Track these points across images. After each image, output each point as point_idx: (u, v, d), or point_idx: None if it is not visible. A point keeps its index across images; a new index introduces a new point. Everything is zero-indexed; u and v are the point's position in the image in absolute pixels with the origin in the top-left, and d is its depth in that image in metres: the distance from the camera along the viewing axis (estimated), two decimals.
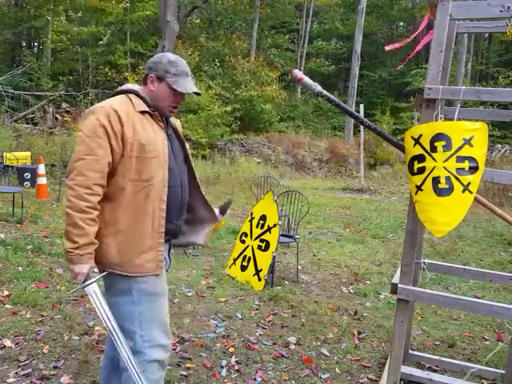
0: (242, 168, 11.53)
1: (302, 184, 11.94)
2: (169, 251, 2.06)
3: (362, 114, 11.36)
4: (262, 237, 4.31)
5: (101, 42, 16.62)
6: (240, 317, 3.47)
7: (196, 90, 1.92)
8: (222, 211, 2.25)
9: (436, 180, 1.79)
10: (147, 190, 1.79)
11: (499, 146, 16.28)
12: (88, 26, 16.90)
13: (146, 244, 1.82)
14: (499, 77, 20.51)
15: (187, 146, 2.09)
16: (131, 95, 1.87)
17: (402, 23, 27.42)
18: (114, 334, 1.79)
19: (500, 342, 3.30)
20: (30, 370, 2.57)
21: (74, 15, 16.10)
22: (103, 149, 1.72)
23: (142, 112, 1.83)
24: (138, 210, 1.79)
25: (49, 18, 16.33)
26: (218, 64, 16.21)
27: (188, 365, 2.73)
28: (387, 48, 2.51)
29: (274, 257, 4.18)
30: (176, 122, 2.11)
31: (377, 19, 24.09)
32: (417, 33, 2.68)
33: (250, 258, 4.31)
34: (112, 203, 1.78)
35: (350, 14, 23.60)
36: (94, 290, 1.80)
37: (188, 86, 1.89)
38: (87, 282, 1.77)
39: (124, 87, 1.94)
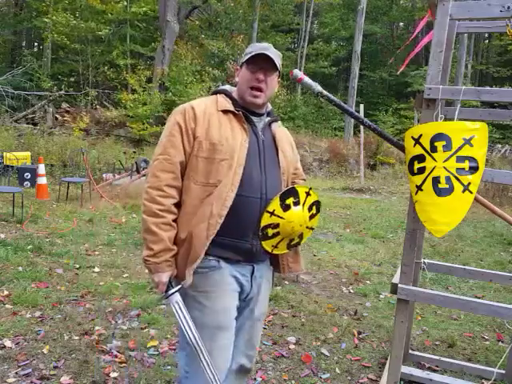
0: None
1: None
2: (251, 276, 1.73)
3: (362, 114, 11.35)
4: None
5: (101, 33, 16.54)
6: None
7: (269, 54, 1.65)
8: None
9: (436, 180, 1.79)
10: (214, 193, 1.60)
11: (499, 146, 16.28)
12: (88, 22, 16.90)
13: (198, 253, 1.60)
14: (502, 80, 20.52)
15: (283, 160, 1.78)
16: (220, 95, 1.75)
17: (401, 24, 27.43)
18: (198, 350, 1.59)
19: (500, 342, 3.30)
20: (30, 370, 2.57)
21: (73, 16, 16.09)
22: (175, 147, 1.61)
23: (225, 111, 1.68)
24: (199, 215, 1.60)
25: (47, 19, 16.31)
26: (219, 65, 16.24)
27: None
28: (391, 61, 2.48)
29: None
30: (283, 131, 1.87)
31: (376, 20, 24.09)
32: (415, 34, 2.69)
33: None
34: (179, 208, 1.63)
35: (350, 14, 23.60)
36: (177, 301, 1.61)
37: (255, 48, 1.69)
38: (169, 292, 1.60)
39: (218, 88, 1.83)
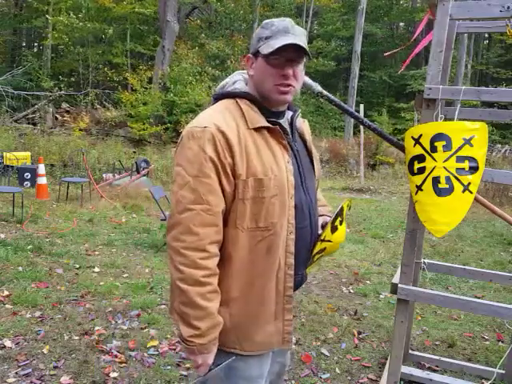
0: None
1: None
2: None
3: (361, 114, 11.35)
4: None
5: (107, 31, 16.52)
6: None
7: (298, 42, 1.27)
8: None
9: (436, 180, 1.79)
10: (268, 241, 1.30)
11: (499, 146, 16.28)
12: (91, 23, 16.92)
13: (268, 313, 1.36)
14: (499, 79, 20.53)
15: (316, 158, 1.54)
16: (242, 101, 1.34)
17: (402, 24, 27.43)
18: None
19: (500, 342, 3.30)
20: (30, 370, 2.57)
21: (76, 16, 16.09)
22: (215, 194, 1.24)
23: (258, 128, 1.31)
24: (257, 270, 1.31)
25: (48, 17, 16.32)
26: (219, 66, 16.25)
27: (188, 365, 2.73)
28: (386, 54, 2.50)
29: None
30: (305, 125, 1.55)
31: (377, 20, 24.09)
32: (416, 35, 2.68)
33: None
34: (222, 262, 1.29)
35: (351, 14, 23.60)
36: (221, 377, 1.36)
37: (284, 40, 1.26)
38: (211, 372, 1.33)
39: (231, 87, 1.40)
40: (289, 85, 1.31)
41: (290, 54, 1.28)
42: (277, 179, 1.30)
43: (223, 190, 1.26)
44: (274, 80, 1.30)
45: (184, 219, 1.22)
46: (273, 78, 1.30)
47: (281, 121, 1.39)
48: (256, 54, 1.33)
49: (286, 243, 1.34)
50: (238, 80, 1.42)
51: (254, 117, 1.32)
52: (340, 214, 1.53)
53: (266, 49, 1.28)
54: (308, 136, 1.55)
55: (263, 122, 1.32)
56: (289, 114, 1.46)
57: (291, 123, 1.46)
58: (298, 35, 1.29)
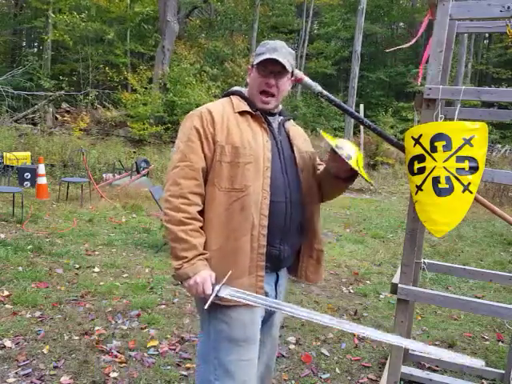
0: None
1: None
2: (275, 284, 1.69)
3: (362, 114, 11.35)
4: None
5: (108, 37, 16.54)
6: None
7: (277, 57, 1.58)
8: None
9: (436, 180, 1.79)
10: (242, 201, 1.52)
11: (499, 146, 16.28)
12: (92, 22, 16.93)
13: (243, 267, 1.53)
14: (499, 79, 20.55)
15: (299, 157, 1.71)
16: (234, 96, 1.69)
17: (401, 24, 27.42)
18: (294, 310, 1.48)
19: (500, 342, 3.30)
20: (30, 370, 2.57)
21: (78, 16, 16.10)
22: (196, 153, 1.54)
23: (242, 113, 1.62)
24: (233, 225, 1.52)
25: (50, 14, 16.31)
26: (218, 66, 16.24)
27: (188, 365, 2.73)
28: (388, 50, 2.49)
29: None
30: (296, 129, 1.83)
31: (377, 20, 24.09)
32: (418, 36, 2.68)
33: None
34: (202, 216, 1.54)
35: (351, 14, 23.61)
36: (229, 291, 1.48)
37: (269, 56, 1.59)
38: (217, 288, 1.46)
39: (230, 89, 1.76)
40: (271, 94, 1.64)
41: (272, 67, 1.61)
42: (252, 149, 1.55)
43: (204, 153, 1.55)
44: (259, 87, 1.64)
45: (172, 174, 1.54)
46: (258, 84, 1.64)
47: (270, 118, 1.69)
48: (252, 65, 1.67)
49: (261, 206, 1.54)
50: (236, 87, 1.78)
51: (240, 104, 1.65)
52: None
53: (256, 60, 1.62)
54: (295, 136, 1.76)
55: (246, 108, 1.63)
56: (280, 118, 1.75)
57: (282, 124, 1.74)
58: (282, 53, 1.61)
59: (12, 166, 8.22)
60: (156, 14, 17.49)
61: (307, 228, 1.72)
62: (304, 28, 21.67)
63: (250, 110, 1.62)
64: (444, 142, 1.78)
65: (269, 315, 1.71)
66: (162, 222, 1.55)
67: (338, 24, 23.92)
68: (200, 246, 1.49)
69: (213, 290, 1.46)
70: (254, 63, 1.63)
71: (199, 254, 1.48)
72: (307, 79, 1.90)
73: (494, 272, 2.77)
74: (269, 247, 1.56)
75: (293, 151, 1.71)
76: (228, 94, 1.73)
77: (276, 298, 1.69)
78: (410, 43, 2.58)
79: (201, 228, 1.52)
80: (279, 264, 1.65)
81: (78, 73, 17.98)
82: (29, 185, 7.94)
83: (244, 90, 1.72)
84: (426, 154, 1.82)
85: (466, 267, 2.78)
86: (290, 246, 1.64)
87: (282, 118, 1.75)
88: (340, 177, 1.69)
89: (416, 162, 1.85)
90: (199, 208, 1.52)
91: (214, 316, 1.55)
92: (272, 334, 1.78)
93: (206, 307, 1.44)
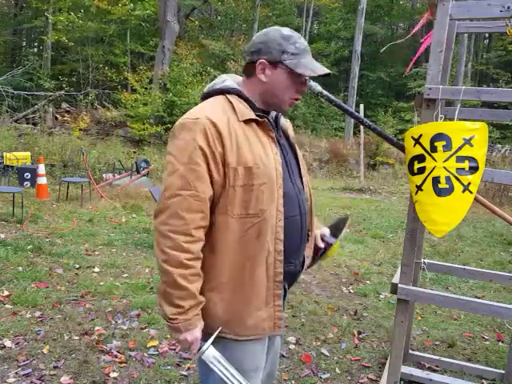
0: None
1: None
2: (283, 298, 1.51)
3: (361, 114, 11.35)
4: None
5: (109, 33, 16.51)
6: None
7: (327, 70, 1.42)
8: (335, 233, 1.68)
9: (436, 180, 1.79)
10: (258, 227, 1.35)
11: (499, 146, 16.28)
12: (94, 22, 16.93)
13: (260, 298, 1.39)
14: (499, 80, 20.56)
15: (300, 155, 1.59)
16: (232, 96, 1.40)
17: (401, 24, 27.44)
18: None
19: (500, 342, 3.30)
20: (30, 370, 2.57)
21: (78, 15, 16.10)
22: (203, 180, 1.29)
23: (247, 121, 1.37)
24: (248, 255, 1.35)
25: (48, 15, 16.32)
26: (220, 66, 16.24)
27: (188, 365, 2.73)
28: (407, 72, 2.45)
29: None
30: (287, 122, 1.61)
31: (377, 20, 24.10)
32: (414, 31, 2.68)
33: None
34: (212, 248, 1.35)
35: (352, 14, 23.62)
36: (214, 355, 1.37)
37: (315, 66, 1.40)
38: (204, 348, 1.36)
39: (221, 84, 1.45)
40: (299, 99, 1.47)
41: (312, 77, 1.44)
42: (266, 168, 1.35)
43: (212, 178, 1.31)
44: (291, 94, 1.43)
45: (172, 204, 1.28)
46: (290, 91, 1.42)
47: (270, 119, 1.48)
48: (276, 63, 1.38)
49: (276, 230, 1.38)
50: (226, 79, 1.47)
51: (244, 110, 1.38)
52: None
53: (302, 69, 1.38)
54: (291, 132, 1.60)
55: (252, 115, 1.38)
56: (273, 113, 1.52)
57: (275, 121, 1.52)
58: (315, 59, 1.43)
59: (12, 166, 8.21)
60: (156, 14, 17.50)
61: (311, 229, 1.61)
62: (304, 28, 21.67)
63: (256, 118, 1.39)
64: (444, 142, 1.78)
65: (271, 342, 1.62)
66: (155, 259, 1.35)
67: (338, 24, 23.94)
68: (197, 293, 1.32)
69: (199, 349, 1.36)
70: (298, 71, 1.38)
71: (196, 304, 1.32)
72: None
73: (494, 272, 2.77)
74: (286, 266, 1.43)
75: (294, 152, 1.56)
76: (221, 92, 1.43)
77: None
78: (405, 39, 2.58)
79: (203, 263, 1.35)
80: (296, 278, 1.55)
81: (78, 73, 17.98)
82: (29, 185, 7.94)
83: (239, 84, 1.46)
84: (426, 154, 1.82)
85: (466, 267, 2.78)
86: (302, 256, 1.54)
87: (275, 112, 1.52)
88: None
89: (416, 162, 1.86)
90: (203, 243, 1.33)
91: (240, 348, 1.41)
92: (274, 348, 1.68)
93: (187, 366, 1.36)
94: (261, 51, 1.39)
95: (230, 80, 1.46)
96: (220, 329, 1.37)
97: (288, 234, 1.41)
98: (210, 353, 1.37)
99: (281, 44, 1.38)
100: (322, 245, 1.63)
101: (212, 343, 1.37)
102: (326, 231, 1.67)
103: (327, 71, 1.42)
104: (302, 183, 1.53)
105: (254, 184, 1.33)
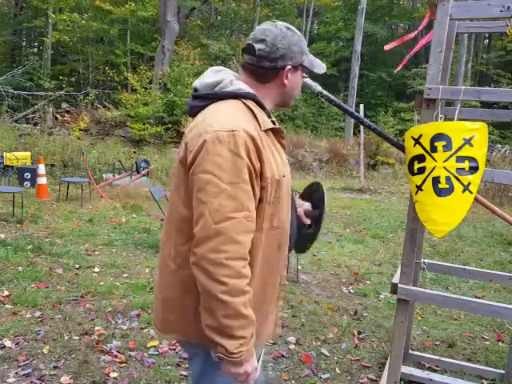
0: None
1: (302, 184, 11.87)
2: None
3: (361, 114, 11.35)
4: None
5: (110, 34, 16.49)
6: None
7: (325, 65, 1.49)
8: (317, 204, 1.68)
9: (436, 180, 1.79)
10: (279, 239, 1.34)
11: (499, 146, 16.28)
12: (95, 21, 16.94)
13: (272, 305, 1.41)
14: (500, 81, 20.57)
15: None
16: (249, 102, 1.29)
17: (401, 24, 27.43)
18: None
19: (500, 342, 3.30)
20: (30, 370, 2.57)
21: (79, 16, 16.10)
22: (252, 199, 1.21)
23: (266, 130, 1.30)
24: (271, 267, 1.34)
25: (49, 13, 16.31)
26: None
27: (188, 365, 2.73)
28: (386, 47, 2.48)
29: None
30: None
31: (377, 20, 24.09)
32: (416, 32, 2.68)
33: None
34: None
35: (352, 15, 23.62)
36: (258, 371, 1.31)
37: (319, 62, 1.44)
38: (257, 374, 1.29)
39: (232, 87, 1.31)
40: None
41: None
42: (286, 179, 1.33)
43: (254, 195, 1.22)
44: (299, 91, 1.45)
45: (225, 229, 1.15)
46: (299, 89, 1.44)
47: None
48: (297, 66, 1.36)
49: (287, 240, 1.39)
50: (233, 79, 1.34)
51: (264, 118, 1.31)
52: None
53: (314, 66, 1.41)
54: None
55: (271, 124, 1.32)
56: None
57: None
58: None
59: (12, 166, 8.21)
60: (156, 14, 17.50)
61: None
62: (304, 28, 21.67)
63: (274, 126, 1.32)
64: (444, 142, 1.78)
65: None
66: (205, 293, 1.19)
67: (338, 24, 23.93)
68: (254, 318, 1.23)
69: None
70: (316, 71, 1.41)
71: (254, 329, 1.23)
72: (307, 79, 1.90)
73: (494, 272, 2.77)
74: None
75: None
76: (236, 96, 1.30)
77: None
78: (406, 38, 2.57)
79: None
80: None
81: (78, 73, 17.97)
82: (29, 185, 7.94)
83: (246, 86, 1.33)
84: (426, 154, 1.82)
85: (466, 267, 2.78)
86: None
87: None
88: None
89: (416, 162, 1.86)
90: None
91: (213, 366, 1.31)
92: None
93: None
94: (286, 57, 1.32)
95: (238, 81, 1.34)
96: (263, 351, 1.32)
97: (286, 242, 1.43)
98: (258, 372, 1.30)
99: (301, 46, 1.35)
100: (307, 221, 1.62)
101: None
102: (307, 205, 1.65)
103: (324, 66, 1.48)
104: None
105: (281, 197, 1.30)
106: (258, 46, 1.31)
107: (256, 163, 1.21)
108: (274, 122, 1.37)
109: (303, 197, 1.73)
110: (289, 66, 1.33)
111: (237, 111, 1.27)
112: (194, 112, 1.35)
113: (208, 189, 1.17)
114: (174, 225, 1.32)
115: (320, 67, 1.42)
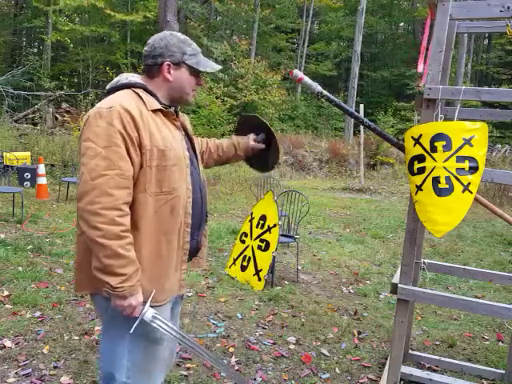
0: (242, 168, 11.52)
1: (302, 184, 11.94)
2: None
3: (361, 114, 11.35)
4: (262, 237, 4.31)
5: (111, 35, 16.46)
6: (240, 317, 3.47)
7: (219, 66, 1.72)
8: (259, 133, 1.97)
9: (436, 180, 1.79)
10: (171, 203, 1.53)
11: (499, 146, 16.29)
12: (92, 25, 16.93)
13: (173, 264, 1.58)
14: (501, 81, 20.57)
15: (198, 147, 1.84)
16: (139, 90, 1.56)
17: (402, 24, 27.44)
18: (196, 348, 1.64)
19: (500, 343, 3.30)
20: (30, 370, 2.57)
21: (78, 18, 16.10)
22: (125, 160, 1.43)
23: (155, 110, 1.54)
24: (163, 229, 1.53)
25: (50, 12, 16.31)
26: (222, 67, 16.28)
27: (188, 365, 2.73)
28: (419, 69, 2.31)
29: (274, 257, 4.18)
30: (183, 117, 1.81)
31: (378, 20, 24.09)
32: (426, 35, 2.66)
33: (249, 258, 4.31)
34: (134, 225, 1.48)
35: (352, 14, 23.63)
36: (153, 315, 1.52)
37: (211, 64, 1.66)
38: (144, 310, 1.50)
39: (126, 80, 1.60)
40: (196, 90, 1.69)
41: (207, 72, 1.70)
42: (175, 151, 1.55)
43: (131, 159, 1.45)
44: (192, 87, 1.65)
45: (99, 184, 1.39)
46: (191, 85, 1.64)
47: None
48: (179, 63, 1.60)
49: (185, 205, 1.59)
50: (129, 76, 1.63)
51: (152, 102, 1.55)
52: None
53: (202, 66, 1.62)
54: (189, 125, 1.80)
55: (159, 106, 1.56)
56: (172, 108, 1.69)
57: (176, 114, 1.71)
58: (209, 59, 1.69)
59: (12, 166, 8.21)
60: (156, 15, 17.49)
61: (207, 210, 1.81)
62: (304, 28, 21.68)
63: (162, 108, 1.56)
64: (444, 142, 1.78)
65: (175, 303, 1.79)
66: (85, 238, 1.45)
67: (341, 24, 23.91)
68: (136, 260, 1.45)
69: (140, 312, 1.49)
70: (200, 68, 1.62)
71: (136, 270, 1.45)
72: (307, 79, 1.90)
73: (494, 272, 2.77)
74: (191, 240, 1.65)
75: (190, 139, 1.75)
76: (126, 86, 1.58)
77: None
78: (424, 46, 2.43)
79: None
80: (195, 254, 1.77)
81: (78, 73, 17.98)
82: (29, 185, 7.94)
83: (139, 79, 1.61)
84: (425, 154, 1.82)
85: (465, 267, 2.78)
86: (202, 234, 1.77)
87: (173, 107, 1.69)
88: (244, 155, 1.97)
89: (416, 162, 1.86)
90: (129, 217, 1.46)
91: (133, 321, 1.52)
92: (175, 317, 1.83)
93: (131, 331, 1.48)
94: (164, 54, 1.58)
95: (133, 77, 1.63)
96: (154, 292, 1.52)
97: (192, 212, 1.62)
98: (150, 313, 1.50)
99: (180, 47, 1.59)
100: (262, 145, 1.95)
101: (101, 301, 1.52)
102: (251, 136, 1.96)
103: (220, 67, 1.73)
104: (200, 168, 1.75)
105: (167, 165, 1.51)
106: (144, 48, 1.63)
107: (132, 132, 1.45)
108: (176, 110, 1.68)
109: (243, 133, 1.99)
110: (167, 62, 1.58)
111: (124, 95, 1.53)
112: None
113: (87, 153, 1.42)
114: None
115: (208, 67, 1.64)
